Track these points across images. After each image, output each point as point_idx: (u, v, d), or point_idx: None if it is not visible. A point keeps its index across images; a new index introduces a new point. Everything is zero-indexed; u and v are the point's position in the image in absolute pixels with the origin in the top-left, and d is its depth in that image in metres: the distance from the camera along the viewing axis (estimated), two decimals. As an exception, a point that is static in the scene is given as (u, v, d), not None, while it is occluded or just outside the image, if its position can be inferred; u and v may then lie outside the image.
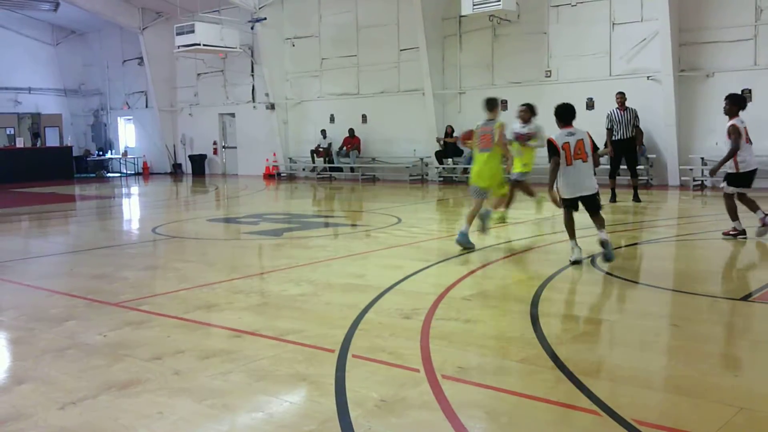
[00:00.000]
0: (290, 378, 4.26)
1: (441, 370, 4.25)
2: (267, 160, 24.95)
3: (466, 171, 20.35)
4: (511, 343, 4.90)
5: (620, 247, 8.80)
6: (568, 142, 7.46)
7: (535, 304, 5.86)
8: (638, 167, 14.50)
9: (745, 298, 6.00)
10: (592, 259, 7.85)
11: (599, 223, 7.51)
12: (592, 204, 7.57)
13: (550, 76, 18.69)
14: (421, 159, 21.21)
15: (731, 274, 7.35)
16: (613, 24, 17.49)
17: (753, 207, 8.63)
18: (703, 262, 8.03)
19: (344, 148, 22.94)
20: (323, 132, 23.48)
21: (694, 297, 6.28)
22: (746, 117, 14.82)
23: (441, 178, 20.73)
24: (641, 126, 15.23)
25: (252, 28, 23.79)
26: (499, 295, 6.41)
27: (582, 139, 7.52)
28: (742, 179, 8.60)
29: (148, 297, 6.47)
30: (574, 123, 7.72)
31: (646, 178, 16.48)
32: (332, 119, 23.78)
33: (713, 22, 16.05)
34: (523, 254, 8.40)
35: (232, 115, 26.77)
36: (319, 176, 23.83)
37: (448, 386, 4.01)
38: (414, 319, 5.43)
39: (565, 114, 7.70)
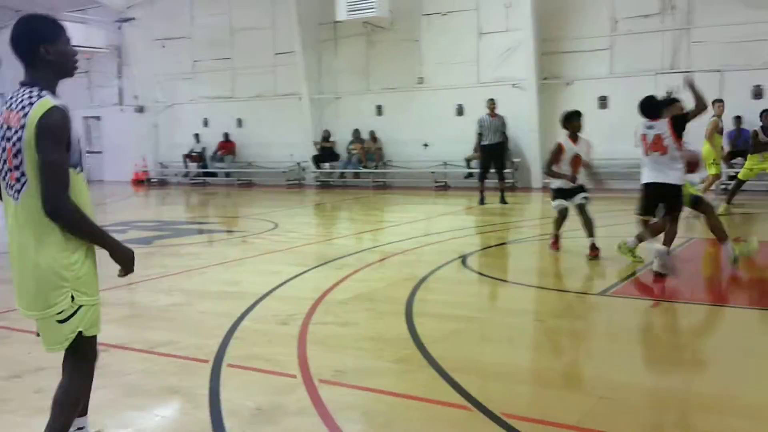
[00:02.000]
0: (162, 391, 4.13)
1: (318, 375, 4.26)
2: (136, 165, 23.99)
3: (343, 175, 20.51)
4: (387, 344, 4.99)
5: (489, 247, 9.16)
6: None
7: (410, 304, 6.00)
8: (505, 171, 15.14)
9: (603, 292, 6.41)
10: (463, 260, 8.12)
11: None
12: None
13: (422, 83, 19.16)
14: (299, 163, 21.13)
15: (590, 271, 7.82)
16: (481, 33, 18.17)
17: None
18: (566, 259, 8.50)
19: (218, 152, 22.47)
20: (196, 136, 22.89)
21: (557, 293, 6.65)
22: (603, 122, 15.87)
23: (318, 183, 20.73)
24: (508, 132, 15.96)
25: (119, 28, 22.82)
26: (375, 297, 6.50)
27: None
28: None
29: (4, 312, 6.06)
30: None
31: (511, 181, 17.24)
32: (206, 123, 23.22)
33: (573, 33, 17.03)
34: (398, 256, 8.56)
35: (98, 118, 25.52)
36: (192, 182, 23.19)
37: (325, 390, 4.02)
38: (291, 325, 5.40)
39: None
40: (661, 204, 6.95)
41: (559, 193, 8.36)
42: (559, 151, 8.21)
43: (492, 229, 10.89)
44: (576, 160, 8.29)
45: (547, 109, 17.33)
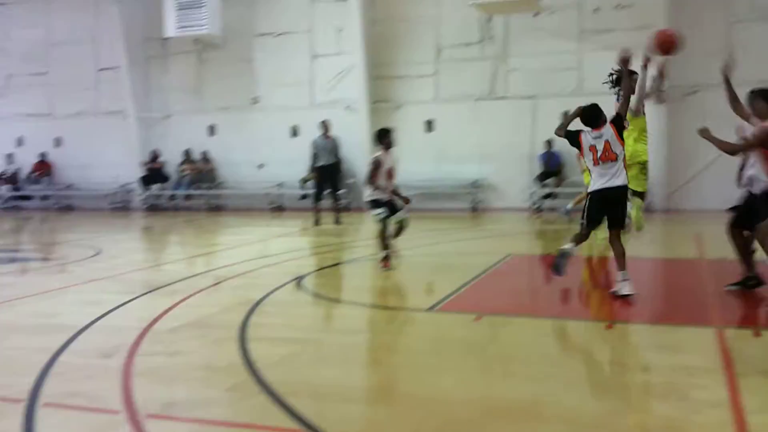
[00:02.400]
0: (-34, 438, 3.77)
1: (145, 409, 4.08)
2: (-63, 188, 21.76)
3: (173, 197, 19.82)
4: (220, 372, 4.87)
5: (324, 268, 9.24)
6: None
7: (243, 329, 5.90)
8: (339, 192, 15.39)
9: (430, 309, 6.68)
10: (299, 281, 8.13)
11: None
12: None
13: (257, 103, 19.04)
14: (124, 185, 20.14)
15: (421, 287, 8.12)
16: (314, 56, 18.41)
17: None
18: (395, 278, 8.76)
19: (34, 174, 20.91)
20: (9, 156, 21.17)
21: (389, 311, 6.84)
22: (429, 145, 16.50)
23: (147, 206, 19.87)
24: (342, 153, 16.23)
25: None
26: (207, 323, 6.33)
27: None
28: None
29: None
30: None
31: (346, 201, 17.53)
32: (20, 142, 21.55)
33: (401, 59, 17.72)
34: (232, 280, 8.40)
35: None
36: (4, 206, 21.37)
37: (152, 425, 3.86)
38: (115, 358, 5.13)
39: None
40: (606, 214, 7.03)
41: (378, 204, 8.96)
42: (378, 164, 8.88)
43: (327, 250, 11.00)
44: (390, 173, 9.02)
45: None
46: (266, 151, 18.83)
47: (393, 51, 17.85)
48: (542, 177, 16.23)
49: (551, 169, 16.19)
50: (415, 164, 17.51)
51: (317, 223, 14.22)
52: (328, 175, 14.51)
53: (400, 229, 9.09)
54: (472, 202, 17.01)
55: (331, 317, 6.89)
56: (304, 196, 17.83)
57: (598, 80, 15.76)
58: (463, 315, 6.48)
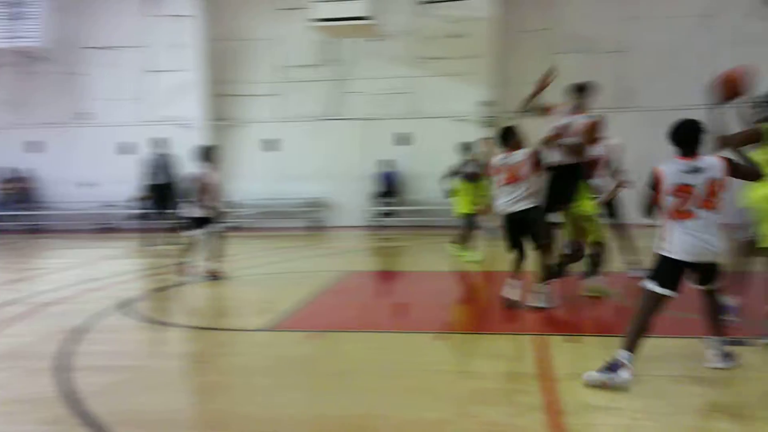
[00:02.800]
0: None
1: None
2: None
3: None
4: (36, 405, 4.51)
5: (155, 290, 8.84)
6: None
7: (64, 359, 5.50)
8: (173, 211, 14.84)
9: (266, 328, 6.58)
10: (127, 306, 7.72)
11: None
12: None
13: (85, 119, 18.01)
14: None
15: (253, 307, 7.98)
16: (148, 71, 17.72)
17: None
18: (231, 298, 8.57)
19: None
20: None
21: (221, 332, 6.66)
22: (270, 164, 16.31)
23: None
24: (177, 172, 15.61)
25: None
26: (21, 354, 5.84)
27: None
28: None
29: None
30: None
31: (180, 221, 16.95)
32: None
33: (241, 77, 17.48)
34: (52, 306, 7.82)
35: None
36: None
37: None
38: None
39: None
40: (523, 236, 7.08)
41: (199, 222, 9.40)
42: (206, 182, 9.26)
43: (159, 272, 10.53)
44: (214, 191, 9.43)
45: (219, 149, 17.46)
46: (96, 169, 17.82)
47: (232, 69, 17.57)
48: (381, 196, 16.61)
49: (390, 188, 16.61)
50: (255, 183, 17.34)
51: (149, 244, 13.62)
52: (161, 194, 13.96)
53: (217, 245, 9.59)
54: (311, 221, 17.05)
55: (161, 342, 6.59)
56: (135, 216, 17.01)
57: (432, 104, 16.66)
58: (298, 333, 6.44)
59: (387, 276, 10.45)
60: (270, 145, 17.46)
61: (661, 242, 4.80)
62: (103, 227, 17.59)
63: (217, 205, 9.46)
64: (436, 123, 16.60)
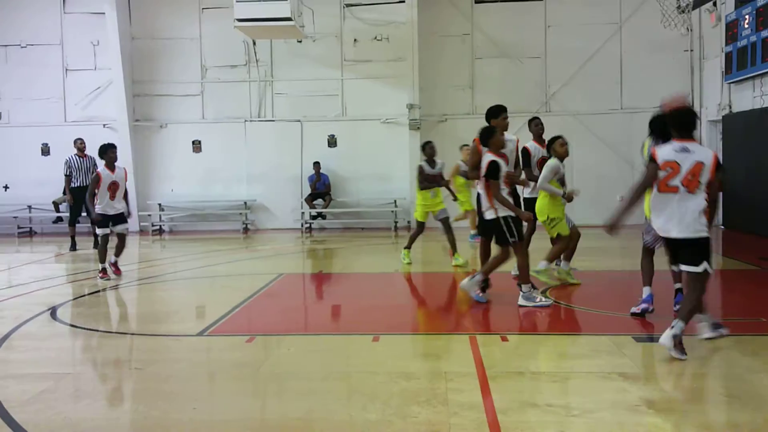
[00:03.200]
0: None
1: None
2: None
3: None
4: (-41, 417, 4.35)
5: (83, 296, 8.62)
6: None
7: (-13, 369, 5.33)
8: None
9: (201, 333, 6.54)
10: (53, 312, 7.51)
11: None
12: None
13: (0, 119, 17.31)
14: None
15: (188, 312, 7.90)
16: (67, 70, 17.18)
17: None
18: (163, 303, 8.44)
19: None
20: None
21: (155, 338, 6.56)
22: (197, 166, 16.20)
23: None
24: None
25: None
26: (-58, 365, 5.61)
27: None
28: None
29: None
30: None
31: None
32: None
33: (166, 77, 17.14)
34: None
35: None
36: None
37: None
38: None
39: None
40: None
41: (104, 220, 9.68)
42: (97, 179, 9.60)
43: (86, 276, 10.25)
44: (114, 187, 9.73)
45: (142, 152, 17.09)
46: (13, 171, 17.13)
47: (156, 68, 17.19)
48: (312, 198, 16.61)
49: (320, 190, 16.63)
50: (182, 185, 17.05)
51: (74, 247, 13.22)
52: (84, 196, 13.54)
53: (122, 243, 9.85)
54: (243, 223, 16.89)
55: (91, 349, 6.45)
56: (58, 219, 16.46)
57: (360, 106, 16.78)
58: (235, 337, 6.43)
59: (321, 278, 10.49)
60: (198, 146, 17.19)
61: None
62: (24, 231, 16.94)
63: (117, 204, 9.83)
64: (364, 125, 16.73)
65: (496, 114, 7.94)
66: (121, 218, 9.89)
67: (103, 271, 9.68)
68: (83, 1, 17.00)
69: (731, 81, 14.19)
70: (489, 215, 7.33)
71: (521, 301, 7.25)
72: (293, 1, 14.15)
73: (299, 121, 16.98)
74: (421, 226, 10.48)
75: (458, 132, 16.35)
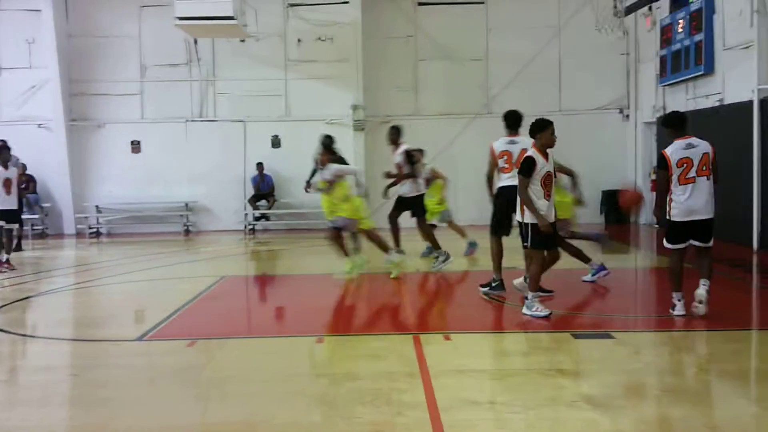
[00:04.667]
0: None
1: None
2: None
3: None
4: None
5: (15, 301, 8.34)
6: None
7: None
8: (33, 216, 14.04)
9: (141, 338, 6.41)
10: (-16, 319, 7.25)
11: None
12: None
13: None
14: None
15: (128, 317, 7.73)
16: (0, 68, 16.60)
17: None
18: (101, 307, 8.24)
19: None
20: None
21: (93, 343, 6.40)
22: (136, 166, 15.84)
23: None
24: (34, 174, 14.86)
25: None
26: None
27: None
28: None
29: None
30: None
31: (41, 227, 16.04)
32: None
33: (103, 76, 16.70)
34: None
35: None
36: None
37: None
38: None
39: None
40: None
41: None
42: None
43: (18, 281, 9.91)
44: (7, 183, 10.33)
45: (78, 152, 16.63)
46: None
47: (93, 67, 16.74)
48: (255, 199, 16.44)
49: (263, 191, 16.47)
50: (121, 187, 16.64)
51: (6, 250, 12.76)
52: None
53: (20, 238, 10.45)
54: (184, 225, 16.60)
55: (25, 355, 6.25)
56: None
57: (304, 107, 16.70)
58: (176, 341, 6.32)
59: (264, 280, 10.40)
60: (136, 147, 16.81)
61: (669, 211, 6.39)
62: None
63: (11, 201, 10.44)
64: (308, 126, 16.64)
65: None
66: (13, 216, 10.65)
67: (7, 262, 10.43)
68: (19, -2, 16.46)
69: (665, 84, 14.64)
70: (516, 217, 6.88)
71: (524, 310, 6.79)
72: (236, -1, 14.01)
73: (242, 121, 16.80)
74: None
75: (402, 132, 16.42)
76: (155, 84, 16.78)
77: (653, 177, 15.69)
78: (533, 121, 6.71)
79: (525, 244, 6.75)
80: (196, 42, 16.53)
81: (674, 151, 6.30)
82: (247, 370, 5.38)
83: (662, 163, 6.34)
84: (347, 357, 5.84)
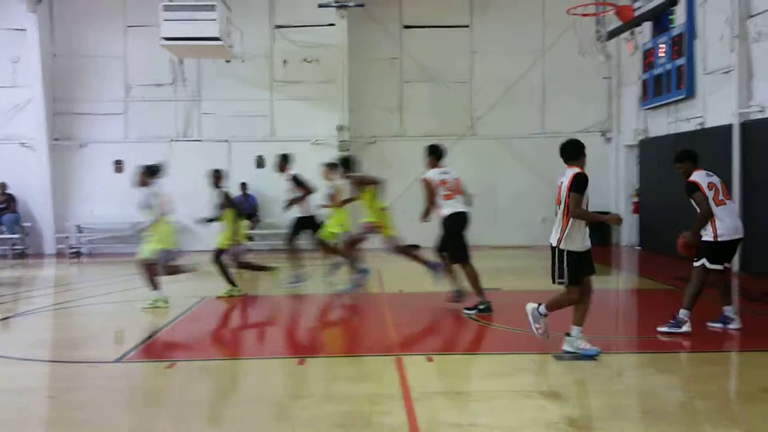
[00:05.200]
0: None
1: None
2: None
3: None
4: None
5: (-6, 323, 8.22)
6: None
7: None
8: (14, 236, 13.88)
9: (119, 359, 6.32)
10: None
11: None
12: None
13: None
14: None
15: (107, 339, 7.63)
16: (-17, 86, 16.52)
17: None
18: (79, 328, 8.14)
19: None
20: None
21: (71, 365, 6.31)
22: (119, 186, 15.72)
23: None
24: (15, 193, 14.73)
25: None
26: None
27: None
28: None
29: None
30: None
31: (21, 247, 15.86)
32: None
33: (87, 95, 16.65)
34: None
35: None
36: None
37: None
38: None
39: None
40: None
41: None
42: None
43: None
44: None
45: (61, 171, 16.52)
46: None
47: (77, 86, 16.68)
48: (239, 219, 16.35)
49: (246, 211, 16.40)
50: (103, 206, 16.50)
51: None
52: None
53: None
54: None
55: (2, 376, 6.13)
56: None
57: (289, 127, 16.72)
58: (155, 363, 6.24)
59: (246, 301, 10.32)
60: (119, 166, 16.71)
61: (714, 233, 6.66)
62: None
63: None
64: (293, 146, 16.63)
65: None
66: None
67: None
68: (3, 18, 16.40)
69: (647, 107, 14.81)
70: (553, 240, 6.09)
71: (566, 347, 6.07)
72: (222, 21, 14.05)
73: (227, 141, 16.78)
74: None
75: (387, 153, 16.52)
76: (140, 104, 16.75)
77: (635, 200, 15.85)
78: (570, 143, 6.29)
79: (561, 280, 6.01)
80: (181, 62, 16.53)
81: (699, 177, 6.82)
82: (227, 393, 5.33)
83: (694, 187, 6.75)
84: (329, 379, 5.79)
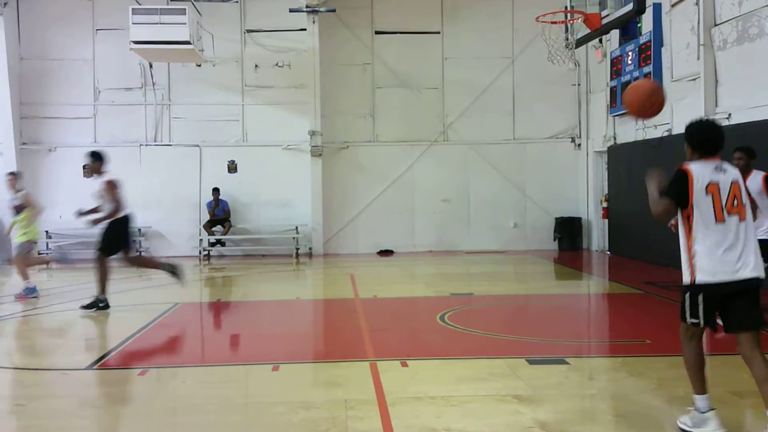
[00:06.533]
0: None
1: None
2: None
3: None
4: None
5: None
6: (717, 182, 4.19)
7: None
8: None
9: (90, 367, 6.24)
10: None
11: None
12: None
13: None
14: None
15: (77, 346, 7.52)
16: (-54, 89, 16.18)
17: None
18: (49, 335, 8.01)
19: None
20: None
21: (40, 372, 6.21)
22: (87, 190, 15.48)
23: None
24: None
25: None
26: None
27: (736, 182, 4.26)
28: None
29: None
30: None
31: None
32: None
33: (55, 99, 16.44)
34: None
35: None
36: None
37: None
38: None
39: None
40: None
41: None
42: None
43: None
44: None
45: (29, 176, 16.19)
46: None
47: (45, 90, 16.45)
48: (210, 224, 16.25)
49: (219, 216, 16.30)
50: (72, 211, 16.22)
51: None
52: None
53: None
54: (137, 251, 16.23)
55: (-31, 386, 6.03)
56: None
57: (262, 132, 16.66)
58: (127, 370, 6.17)
59: (219, 307, 10.26)
60: (89, 171, 16.47)
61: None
62: None
63: None
64: (265, 151, 16.61)
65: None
66: None
67: None
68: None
69: (616, 114, 15.04)
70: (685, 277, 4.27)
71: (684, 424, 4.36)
72: (192, 24, 13.97)
73: (198, 146, 16.66)
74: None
75: (360, 159, 16.55)
76: (109, 108, 16.57)
77: (605, 205, 16.07)
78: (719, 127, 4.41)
79: (690, 320, 4.23)
80: (151, 66, 16.39)
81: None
82: (200, 400, 5.28)
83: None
84: (303, 385, 5.78)
